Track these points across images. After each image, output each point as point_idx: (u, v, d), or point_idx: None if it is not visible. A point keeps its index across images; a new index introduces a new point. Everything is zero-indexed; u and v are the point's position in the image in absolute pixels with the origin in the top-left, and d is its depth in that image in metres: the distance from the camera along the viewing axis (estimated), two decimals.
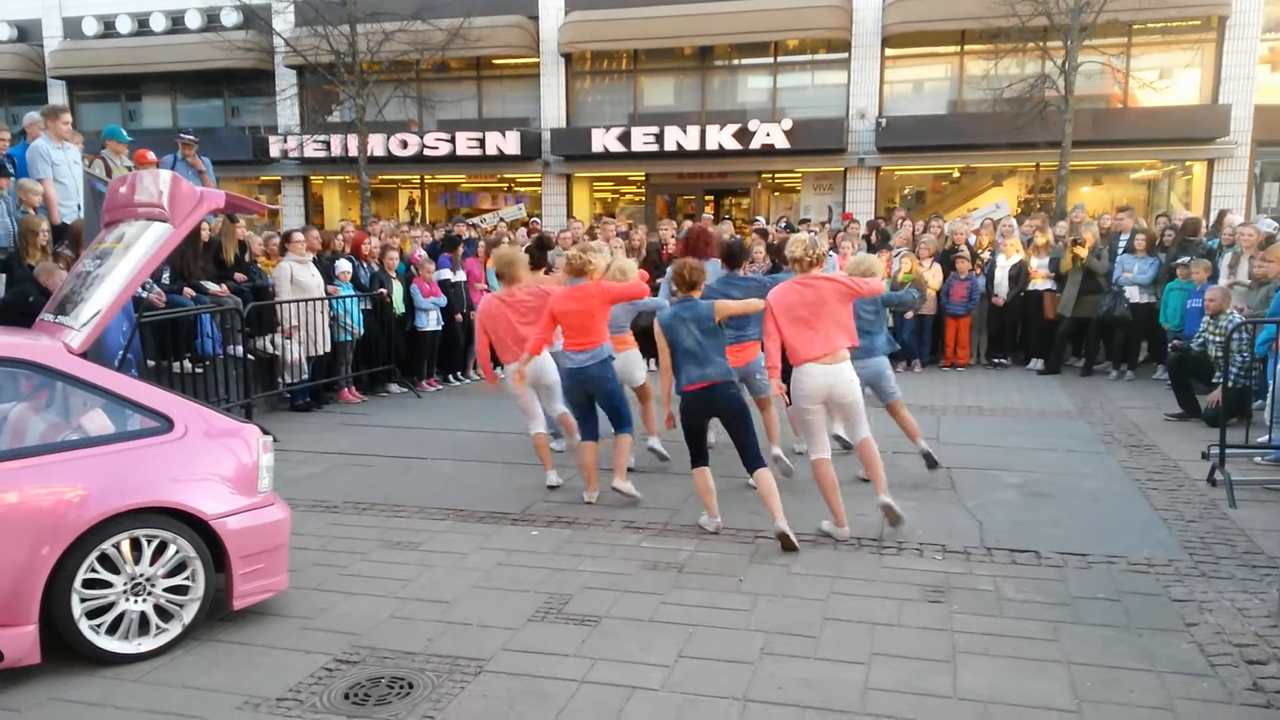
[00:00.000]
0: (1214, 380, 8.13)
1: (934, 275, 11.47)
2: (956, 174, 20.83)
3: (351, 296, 9.89)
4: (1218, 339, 8.23)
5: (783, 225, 13.48)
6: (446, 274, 10.99)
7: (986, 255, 11.83)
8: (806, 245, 5.66)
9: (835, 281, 5.66)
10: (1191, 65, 18.55)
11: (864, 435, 5.78)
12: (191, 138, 10.10)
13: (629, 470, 6.46)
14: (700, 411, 5.58)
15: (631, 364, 7.17)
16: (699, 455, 5.65)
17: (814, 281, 5.60)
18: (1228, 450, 6.36)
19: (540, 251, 8.58)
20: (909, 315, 11.38)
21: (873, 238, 12.32)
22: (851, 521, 5.71)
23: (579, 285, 6.23)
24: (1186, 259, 10.08)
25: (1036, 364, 11.51)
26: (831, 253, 11.35)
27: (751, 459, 5.50)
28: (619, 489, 6.18)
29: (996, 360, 11.91)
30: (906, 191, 21.28)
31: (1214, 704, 3.62)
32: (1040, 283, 11.41)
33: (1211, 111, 18.03)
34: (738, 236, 12.80)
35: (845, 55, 19.87)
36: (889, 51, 19.78)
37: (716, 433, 6.44)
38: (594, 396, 6.29)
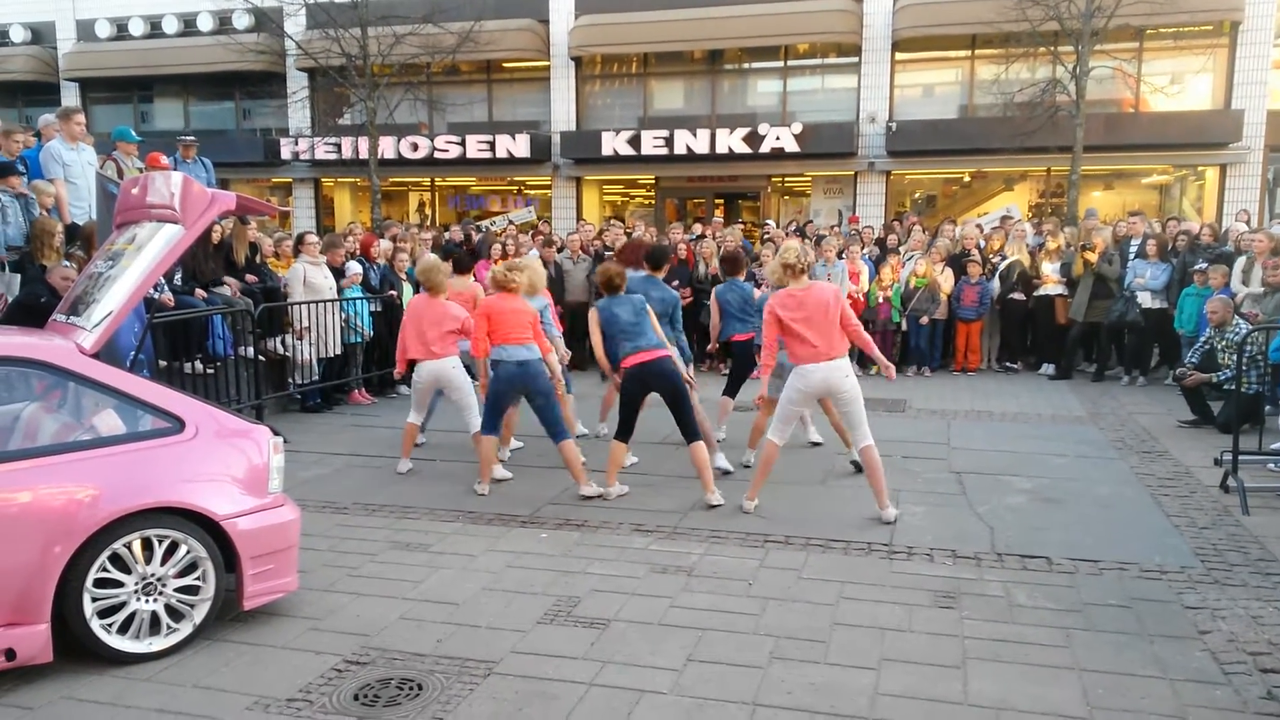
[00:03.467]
0: (1224, 388, 8.09)
1: (946, 279, 11.44)
2: (967, 178, 20.75)
3: (361, 298, 9.91)
4: (1222, 348, 8.21)
5: (792, 229, 13.47)
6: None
7: (997, 260, 11.79)
8: (799, 253, 5.94)
9: (837, 294, 5.92)
10: (1204, 70, 18.44)
11: (866, 442, 5.92)
12: (191, 139, 10.46)
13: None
14: (635, 385, 6.25)
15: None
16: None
17: (814, 293, 5.83)
18: (1241, 457, 6.32)
19: (470, 258, 8.83)
20: (924, 320, 11.35)
21: (888, 241, 12.33)
22: (859, 526, 5.74)
23: (506, 297, 6.51)
24: (1204, 264, 10.01)
25: (1048, 369, 11.46)
26: (840, 259, 11.33)
27: (688, 433, 6.22)
28: (587, 495, 6.36)
29: (1007, 365, 11.88)
30: (917, 195, 21.23)
31: (1227, 712, 3.60)
32: (1052, 287, 11.36)
33: (1224, 116, 17.93)
34: (746, 241, 12.84)
35: (856, 59, 19.81)
36: (899, 55, 19.73)
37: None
38: (529, 397, 6.47)
